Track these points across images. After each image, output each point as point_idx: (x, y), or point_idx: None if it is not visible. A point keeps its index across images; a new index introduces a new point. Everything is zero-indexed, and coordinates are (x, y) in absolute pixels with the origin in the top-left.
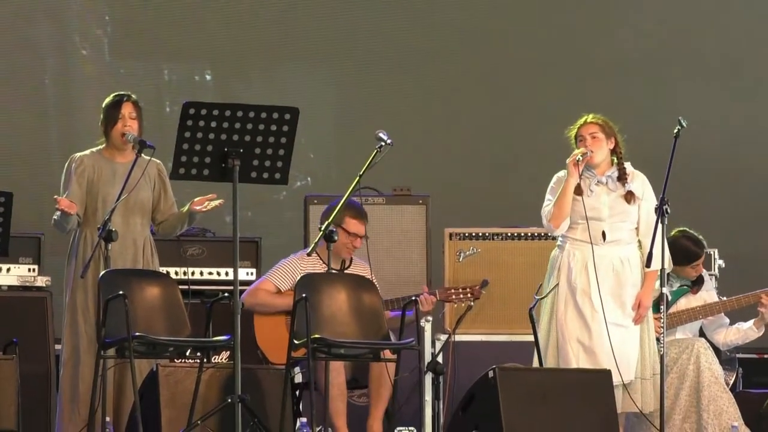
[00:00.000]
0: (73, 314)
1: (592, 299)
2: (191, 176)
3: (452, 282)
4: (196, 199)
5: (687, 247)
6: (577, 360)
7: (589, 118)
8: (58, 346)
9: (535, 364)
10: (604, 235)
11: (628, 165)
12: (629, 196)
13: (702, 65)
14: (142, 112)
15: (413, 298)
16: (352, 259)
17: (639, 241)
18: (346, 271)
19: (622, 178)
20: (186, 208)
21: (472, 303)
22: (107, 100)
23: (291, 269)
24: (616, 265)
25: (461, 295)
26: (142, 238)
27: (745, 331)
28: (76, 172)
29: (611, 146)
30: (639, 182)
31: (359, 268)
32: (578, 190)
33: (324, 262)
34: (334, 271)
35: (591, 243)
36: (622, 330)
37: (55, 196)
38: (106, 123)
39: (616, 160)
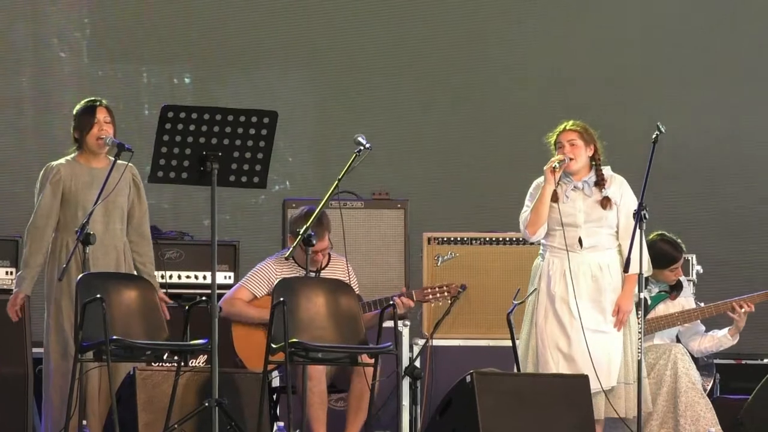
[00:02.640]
0: (58, 321)
1: (570, 307)
2: (170, 179)
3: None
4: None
5: (665, 251)
6: (557, 367)
7: (569, 124)
8: (35, 349)
9: (528, 368)
10: (580, 241)
11: (607, 169)
12: (605, 202)
13: (681, 71)
14: (122, 115)
15: (391, 302)
16: (330, 256)
17: (620, 245)
18: (323, 271)
19: (599, 183)
20: (156, 287)
21: (449, 301)
22: (78, 107)
23: (266, 274)
24: (595, 272)
25: (438, 294)
26: (122, 242)
27: (720, 338)
28: (51, 181)
29: (590, 153)
30: (616, 186)
31: (337, 263)
32: (554, 197)
33: (300, 266)
34: (311, 275)
35: (567, 250)
36: (603, 336)
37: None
38: (81, 129)
39: (594, 166)
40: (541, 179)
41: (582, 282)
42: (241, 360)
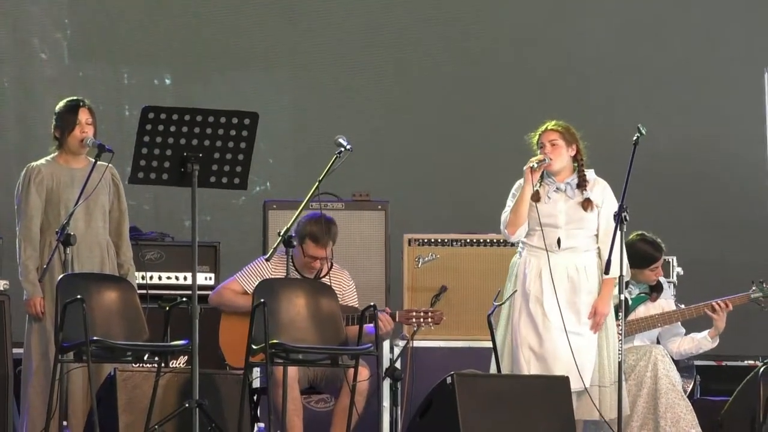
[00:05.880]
0: (40, 322)
1: (544, 306)
2: (150, 180)
3: (411, 288)
4: None
5: (645, 251)
6: (529, 367)
7: (550, 125)
8: (15, 350)
9: (493, 370)
10: (559, 242)
11: (590, 172)
12: (586, 204)
13: (661, 72)
14: (102, 116)
15: (372, 303)
16: (332, 264)
17: (599, 248)
18: (322, 278)
19: (581, 185)
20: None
21: (432, 327)
22: (60, 105)
23: (260, 271)
24: (572, 273)
25: (421, 320)
26: (105, 240)
27: (699, 340)
28: (35, 181)
29: (572, 153)
30: (599, 190)
31: (339, 275)
32: (536, 197)
33: (295, 267)
34: (307, 277)
35: (546, 250)
36: (576, 337)
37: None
38: (62, 129)
39: (577, 167)
40: (522, 180)
41: (558, 282)
42: (222, 353)
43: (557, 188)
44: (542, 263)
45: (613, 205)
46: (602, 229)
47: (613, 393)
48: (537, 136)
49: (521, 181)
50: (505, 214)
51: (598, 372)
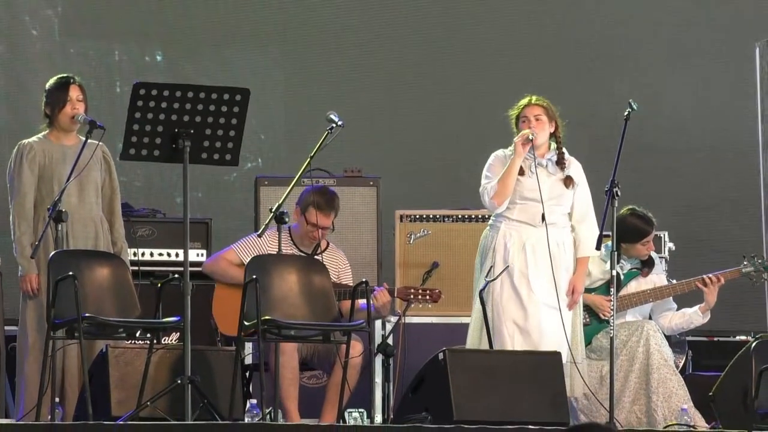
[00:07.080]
0: (36, 297)
1: (530, 280)
2: (142, 157)
3: (403, 264)
4: None
5: (636, 225)
6: (512, 341)
7: (534, 99)
8: (8, 327)
9: (482, 345)
10: (543, 217)
11: (564, 150)
12: (568, 181)
13: (652, 48)
14: (93, 92)
15: (364, 280)
16: (329, 244)
17: (572, 226)
18: (317, 256)
19: (560, 162)
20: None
21: (429, 306)
22: (51, 83)
23: (258, 244)
24: (552, 248)
25: (419, 296)
26: (98, 216)
27: (690, 315)
28: (27, 158)
29: (552, 130)
30: (575, 169)
31: (334, 254)
32: (521, 171)
33: (294, 243)
34: (303, 254)
35: (544, 223)
36: (556, 313)
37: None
38: (53, 106)
39: (555, 145)
40: (499, 152)
41: (541, 257)
42: (215, 321)
43: (538, 163)
44: (525, 237)
45: (587, 187)
46: (577, 208)
47: (583, 369)
48: (518, 110)
49: (498, 153)
50: (489, 185)
51: (571, 349)
